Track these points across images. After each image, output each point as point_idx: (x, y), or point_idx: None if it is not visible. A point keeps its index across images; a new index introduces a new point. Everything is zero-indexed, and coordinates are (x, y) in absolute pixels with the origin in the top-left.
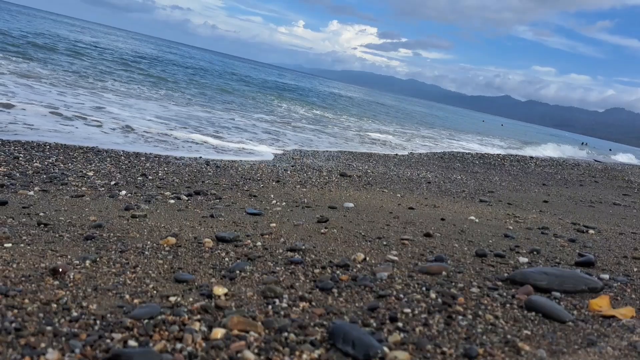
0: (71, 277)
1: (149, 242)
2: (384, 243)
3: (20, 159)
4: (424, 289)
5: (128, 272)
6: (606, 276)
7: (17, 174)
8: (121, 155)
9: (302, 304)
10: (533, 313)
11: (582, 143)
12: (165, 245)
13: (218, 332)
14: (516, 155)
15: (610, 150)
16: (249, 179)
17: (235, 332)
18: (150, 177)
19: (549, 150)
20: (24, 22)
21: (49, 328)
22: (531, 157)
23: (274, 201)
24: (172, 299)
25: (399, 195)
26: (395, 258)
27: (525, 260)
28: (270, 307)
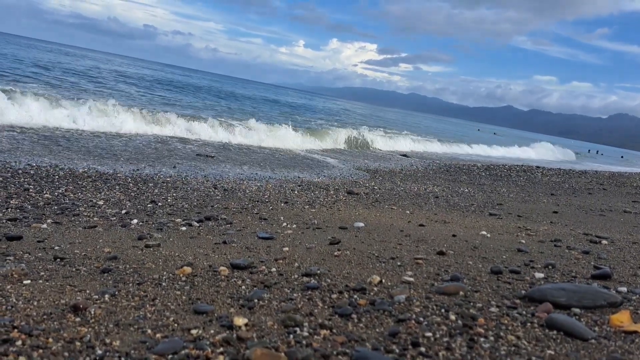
0: (92, 312)
1: (165, 273)
2: (398, 263)
3: (31, 190)
4: (442, 310)
5: (147, 305)
6: (624, 289)
7: (29, 207)
8: (129, 182)
9: (322, 332)
10: (554, 331)
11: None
12: (181, 275)
13: None
14: (522, 165)
15: (622, 157)
16: (258, 201)
17: None
18: (160, 204)
19: None
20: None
21: None
22: (537, 167)
23: (285, 223)
24: (194, 331)
25: (408, 211)
26: (411, 279)
27: (541, 275)
28: (291, 336)
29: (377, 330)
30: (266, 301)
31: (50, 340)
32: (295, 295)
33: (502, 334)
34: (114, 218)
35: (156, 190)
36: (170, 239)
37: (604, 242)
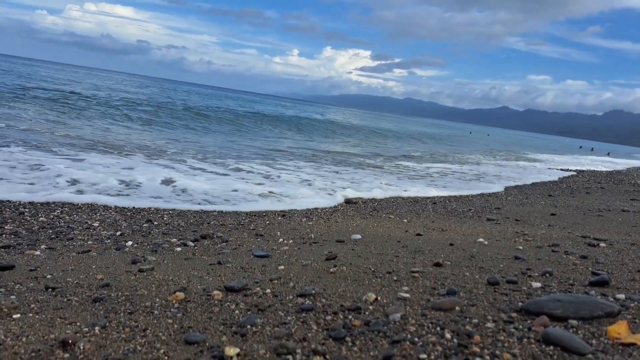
0: (81, 347)
1: (157, 299)
2: (395, 278)
3: (26, 214)
4: (438, 328)
5: (138, 337)
6: (622, 296)
7: (24, 232)
8: None
9: (315, 359)
10: (551, 347)
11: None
12: (174, 301)
13: None
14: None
15: (608, 154)
16: (255, 215)
17: None
18: (155, 223)
19: None
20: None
21: None
22: (534, 167)
23: (281, 239)
24: None
25: (405, 220)
26: (407, 295)
27: (538, 285)
28: None
29: (371, 353)
30: (259, 327)
31: None
32: (289, 318)
33: (497, 352)
34: (109, 240)
35: (152, 208)
36: (165, 261)
37: (602, 244)
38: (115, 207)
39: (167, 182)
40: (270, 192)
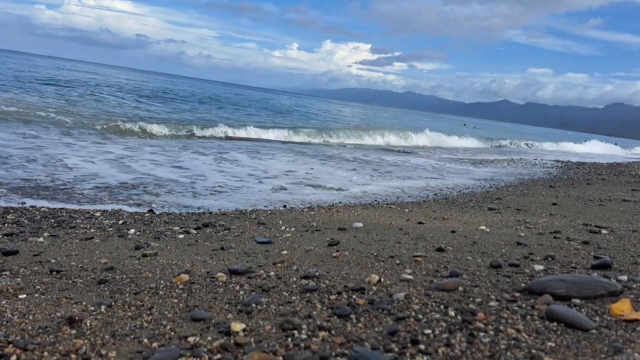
0: (88, 324)
1: (162, 281)
2: (397, 262)
3: (27, 203)
4: (442, 307)
5: (144, 315)
6: (624, 277)
7: (26, 221)
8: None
9: (321, 334)
10: (555, 323)
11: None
12: (178, 283)
13: None
14: (521, 159)
15: (615, 144)
16: (256, 205)
17: None
18: (157, 212)
19: None
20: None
21: None
22: (534, 159)
23: (283, 227)
24: (191, 339)
25: (406, 210)
26: (410, 277)
27: (541, 267)
28: (289, 339)
29: (376, 329)
30: (264, 305)
31: (46, 353)
32: (293, 298)
33: (501, 327)
34: (111, 229)
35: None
36: (168, 248)
37: (604, 231)
38: (117, 198)
39: None
40: None
